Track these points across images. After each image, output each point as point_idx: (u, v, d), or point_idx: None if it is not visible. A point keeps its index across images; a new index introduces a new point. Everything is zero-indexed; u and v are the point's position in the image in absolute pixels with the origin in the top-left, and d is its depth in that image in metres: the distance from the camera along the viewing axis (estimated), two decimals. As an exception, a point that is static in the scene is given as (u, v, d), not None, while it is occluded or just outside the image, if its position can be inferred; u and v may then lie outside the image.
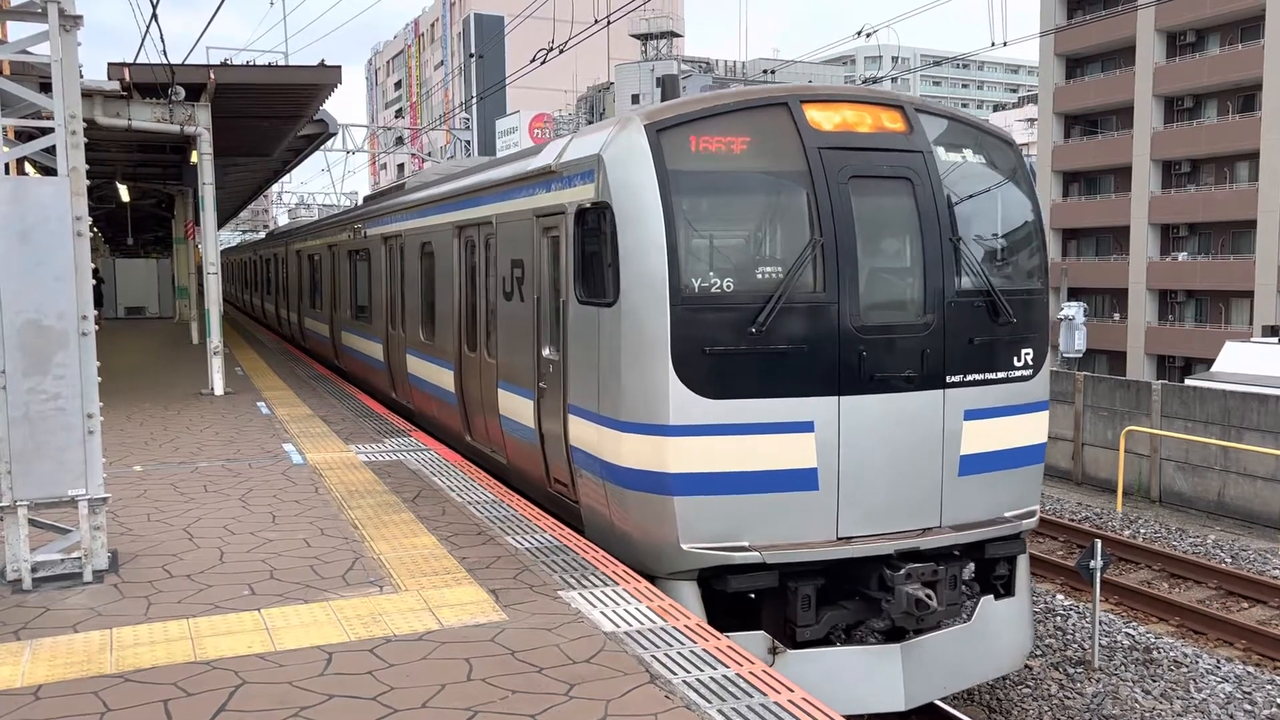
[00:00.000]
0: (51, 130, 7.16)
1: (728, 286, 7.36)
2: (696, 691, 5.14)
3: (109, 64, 16.02)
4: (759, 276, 7.45)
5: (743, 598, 7.61)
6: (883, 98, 8.22)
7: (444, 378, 12.25)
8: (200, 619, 6.28)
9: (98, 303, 7.36)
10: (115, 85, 15.90)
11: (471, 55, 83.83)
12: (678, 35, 72.23)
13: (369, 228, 16.84)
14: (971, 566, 8.21)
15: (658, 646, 5.75)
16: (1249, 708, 9.99)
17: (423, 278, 13.34)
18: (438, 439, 12.62)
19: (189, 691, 5.21)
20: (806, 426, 7.40)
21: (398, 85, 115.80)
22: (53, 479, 6.94)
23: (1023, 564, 8.59)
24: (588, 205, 7.93)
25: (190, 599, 6.67)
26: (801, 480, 7.44)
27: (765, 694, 5.11)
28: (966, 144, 8.29)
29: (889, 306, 7.83)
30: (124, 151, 23.66)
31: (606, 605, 6.45)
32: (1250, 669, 10.89)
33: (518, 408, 9.63)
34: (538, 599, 6.60)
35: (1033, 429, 8.38)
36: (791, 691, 5.16)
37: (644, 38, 70.85)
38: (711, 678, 5.31)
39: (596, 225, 7.84)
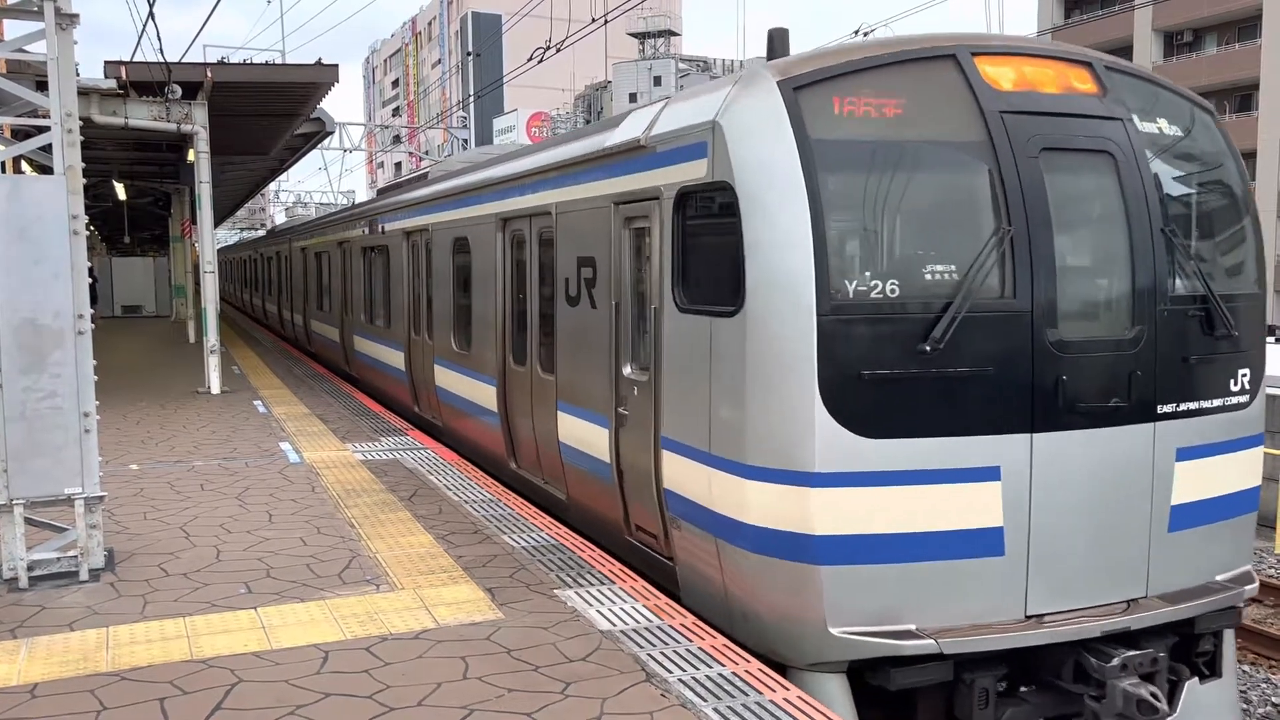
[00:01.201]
0: (48, 128, 7.16)
1: (891, 291, 5.75)
2: (692, 690, 5.15)
3: (105, 62, 16.02)
4: (928, 278, 5.85)
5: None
6: (1068, 52, 6.57)
7: (482, 394, 10.74)
8: (196, 617, 6.28)
9: (91, 301, 7.35)
10: (112, 83, 15.88)
11: (469, 54, 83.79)
12: (675, 34, 72.26)
13: (387, 222, 15.36)
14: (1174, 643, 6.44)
15: (654, 645, 5.76)
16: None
17: (455, 278, 11.81)
18: (475, 463, 11.19)
19: (185, 690, 5.21)
20: (990, 473, 5.78)
21: (395, 84, 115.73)
22: (49, 477, 6.94)
23: (1229, 638, 6.79)
24: (695, 187, 6.41)
25: (187, 597, 6.67)
26: (983, 543, 5.81)
27: (761, 692, 5.12)
28: (1164, 112, 6.64)
29: (1090, 316, 6.18)
30: (121, 150, 23.63)
31: (603, 603, 6.46)
32: None
33: (585, 436, 8.10)
34: (534, 597, 6.60)
35: (1248, 469, 6.73)
36: (788, 690, 5.17)
37: (641, 36, 70.87)
38: (708, 676, 5.32)
39: (709, 213, 6.39)
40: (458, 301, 11.78)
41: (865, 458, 5.68)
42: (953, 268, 5.85)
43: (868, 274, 5.79)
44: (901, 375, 5.71)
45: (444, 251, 12.19)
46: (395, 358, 14.81)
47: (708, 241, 6.45)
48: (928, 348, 5.66)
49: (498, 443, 10.44)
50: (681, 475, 6.61)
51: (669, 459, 6.74)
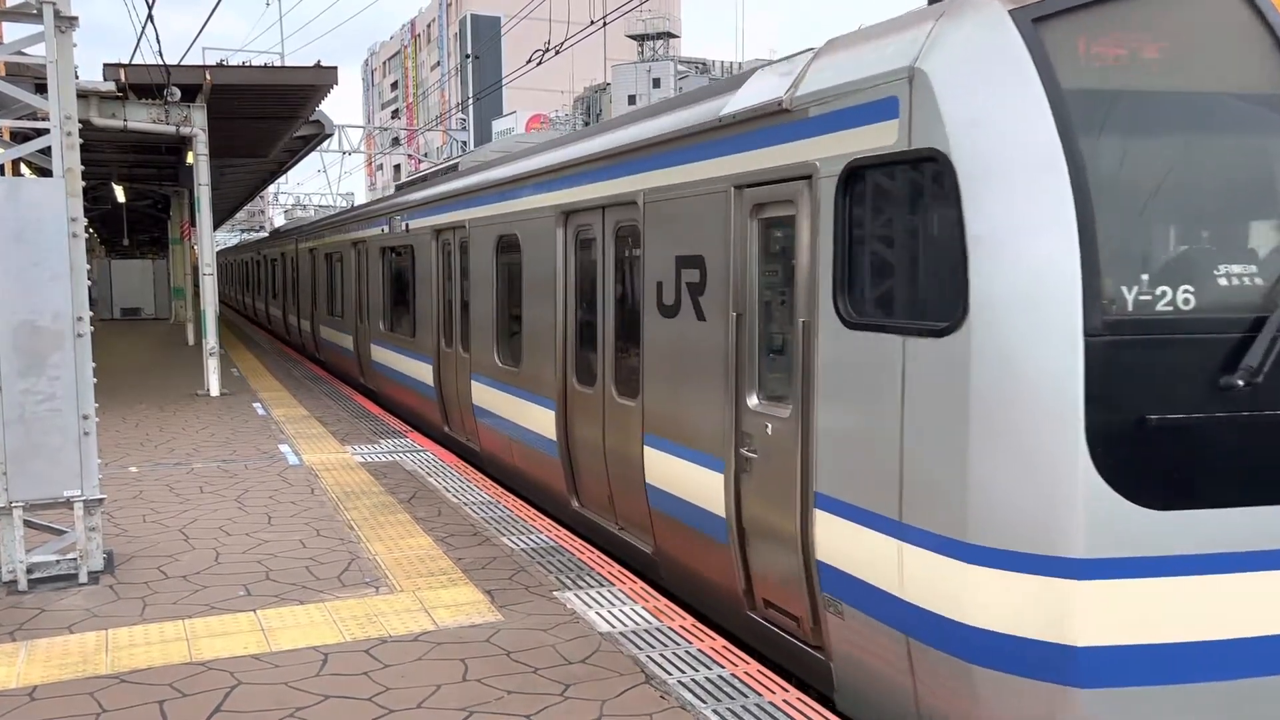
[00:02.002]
0: (47, 131, 7.16)
1: (1184, 302, 4.29)
2: (692, 691, 5.14)
3: (105, 65, 16.03)
4: (1224, 282, 4.36)
5: None
6: None
7: (534, 417, 9.28)
8: (196, 620, 6.28)
9: (89, 303, 7.36)
10: (111, 86, 15.90)
11: (468, 56, 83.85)
12: (674, 36, 72.32)
13: (412, 219, 13.94)
14: None
15: (653, 647, 5.75)
16: None
17: (498, 281, 10.41)
18: (524, 496, 9.95)
19: (184, 692, 5.21)
20: None
21: (394, 86, 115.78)
22: (48, 480, 6.94)
23: None
24: (878, 160, 4.79)
25: (186, 600, 6.67)
26: None
27: (760, 694, 5.12)
28: None
29: None
30: (120, 152, 23.63)
31: (602, 605, 6.46)
32: None
33: (686, 479, 6.65)
34: (533, 599, 6.60)
35: None
36: (786, 691, 5.16)
37: (640, 38, 70.94)
38: (707, 678, 5.32)
39: (903, 194, 4.82)
40: (501, 309, 10.40)
41: (1152, 537, 4.17)
42: (1252, 269, 4.38)
43: (1149, 277, 4.28)
44: (1202, 420, 4.20)
45: (484, 251, 10.78)
46: (421, 371, 13.40)
47: (898, 233, 4.89)
48: (1239, 381, 4.15)
49: (554, 476, 8.94)
50: (847, 546, 5.03)
51: (826, 522, 5.18)
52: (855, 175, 5.00)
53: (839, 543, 5.10)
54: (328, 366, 21.58)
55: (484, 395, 10.83)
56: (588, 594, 6.69)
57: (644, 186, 7.17)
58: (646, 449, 7.18)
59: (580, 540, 8.00)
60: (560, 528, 8.37)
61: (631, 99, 63.87)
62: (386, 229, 15.36)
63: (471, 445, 11.61)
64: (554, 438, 8.82)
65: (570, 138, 9.46)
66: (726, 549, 6.23)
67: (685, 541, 6.82)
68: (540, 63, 18.60)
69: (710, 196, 6.31)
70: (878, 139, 4.81)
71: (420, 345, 13.39)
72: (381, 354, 15.84)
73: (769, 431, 5.74)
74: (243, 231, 79.65)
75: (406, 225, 14.15)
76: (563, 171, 8.72)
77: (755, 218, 5.94)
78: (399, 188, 18.37)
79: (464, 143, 41.91)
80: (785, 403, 5.64)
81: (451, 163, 16.14)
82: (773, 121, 5.64)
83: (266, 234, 45.22)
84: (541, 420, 9.11)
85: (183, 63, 15.90)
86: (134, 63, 15.90)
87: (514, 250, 9.90)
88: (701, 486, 6.45)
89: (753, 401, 5.93)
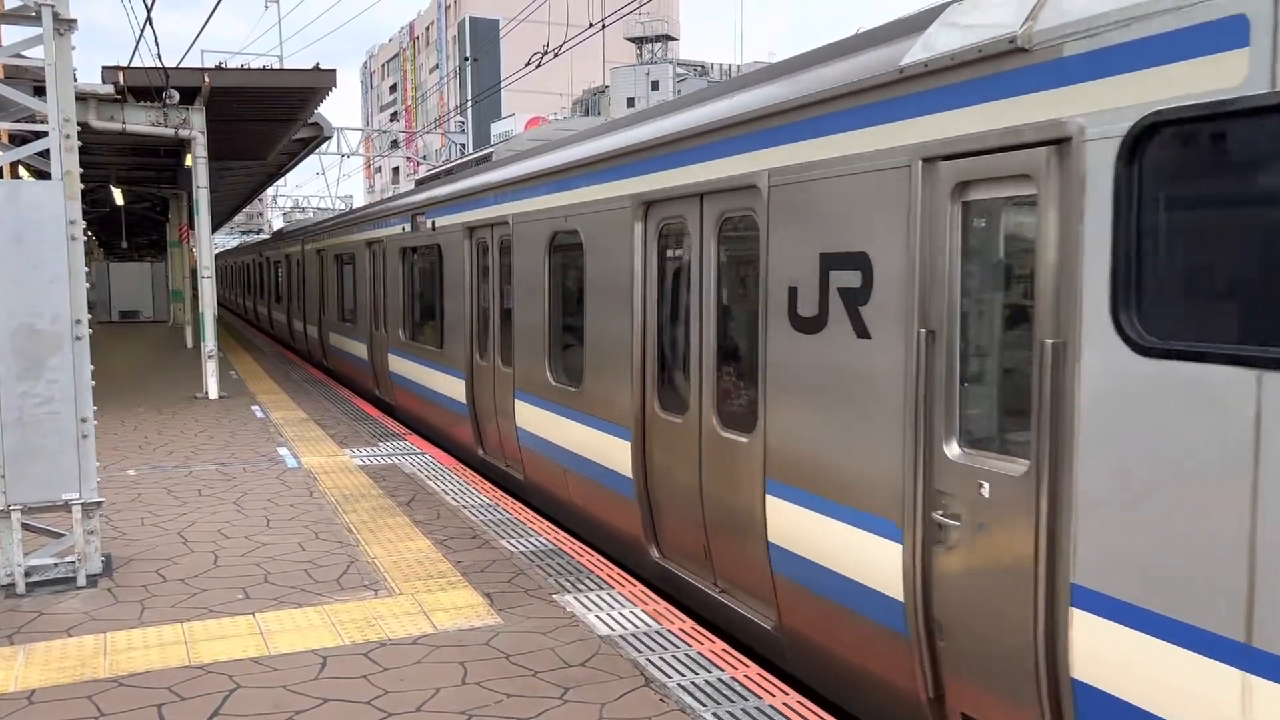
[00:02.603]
0: (46, 134, 7.16)
1: None
2: (691, 695, 5.14)
3: (103, 67, 16.04)
4: None
5: None
6: None
7: (603, 448, 7.88)
8: (194, 623, 6.27)
9: (88, 306, 7.36)
10: (110, 89, 15.92)
11: (467, 58, 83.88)
12: (673, 39, 72.40)
13: (439, 216, 12.48)
14: None
15: (653, 650, 5.75)
16: None
17: (551, 285, 9.06)
18: (583, 539, 8.66)
19: (183, 696, 5.20)
20: None
21: (393, 88, 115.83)
22: (46, 483, 6.93)
23: None
24: (1210, 110, 3.38)
25: (184, 603, 6.65)
26: None
27: (760, 697, 5.11)
28: None
29: None
30: (118, 155, 23.64)
31: (602, 608, 6.45)
32: None
33: (838, 546, 5.21)
34: (533, 602, 6.59)
35: None
36: (787, 695, 5.16)
37: (639, 41, 70.99)
38: (706, 681, 5.31)
39: (1252, 155, 3.36)
40: (555, 318, 9.04)
41: None
42: None
43: None
44: None
45: (532, 250, 9.38)
46: (450, 386, 11.96)
47: (1244, 218, 3.39)
48: None
49: (627, 518, 7.65)
50: (1136, 667, 3.68)
51: (1092, 629, 3.84)
52: (1155, 135, 3.59)
53: (1117, 660, 3.74)
54: (338, 376, 20.10)
55: (532, 417, 9.37)
56: (587, 597, 6.68)
57: (768, 166, 5.68)
58: (770, 499, 5.75)
59: (580, 543, 7.99)
60: (559, 530, 8.36)
61: (630, 101, 63.93)
62: (408, 227, 13.92)
63: (512, 473, 10.14)
64: (628, 473, 7.44)
65: (651, 112, 7.82)
66: (902, 641, 4.78)
67: (831, 622, 5.36)
68: (539, 65, 18.61)
69: (880, 174, 4.83)
70: (1204, 79, 3.40)
71: (449, 357, 11.95)
72: (401, 365, 14.46)
73: (984, 493, 4.30)
74: (243, 233, 79.66)
75: (432, 223, 12.72)
76: (643, 154, 7.22)
77: (958, 200, 4.48)
78: (419, 184, 16.70)
79: (462, 145, 41.92)
80: (1015, 454, 4.24)
81: (483, 152, 14.80)
82: (994, 68, 4.25)
83: (269, 235, 44.79)
84: (611, 451, 7.74)
85: (181, 65, 15.91)
86: (133, 65, 15.92)
87: (573, 249, 8.50)
88: (861, 556, 5.02)
89: (953, 450, 4.50)
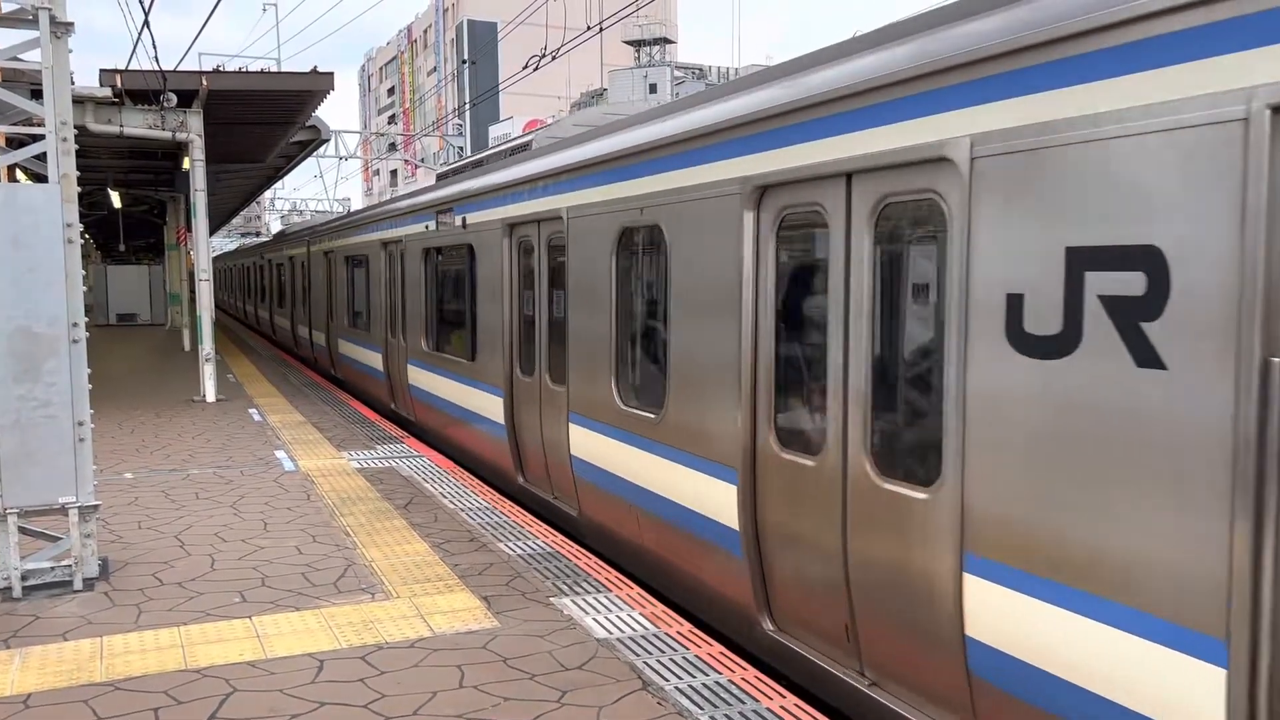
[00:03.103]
0: (42, 137, 7.16)
1: None
2: (689, 698, 5.13)
3: (101, 70, 16.03)
4: None
5: None
6: None
7: (697, 489, 6.55)
8: (191, 627, 6.26)
9: (85, 309, 7.36)
10: (107, 92, 15.91)
11: (465, 61, 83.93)
12: (671, 41, 72.45)
13: (469, 211, 11.16)
14: None
15: (650, 653, 5.74)
16: None
17: (619, 290, 7.68)
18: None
19: (179, 700, 5.19)
20: None
21: (391, 91, 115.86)
22: (43, 486, 6.92)
23: None
24: None
25: (181, 607, 6.64)
26: None
27: (758, 700, 5.10)
28: None
29: None
30: (116, 158, 23.64)
31: (599, 611, 6.45)
32: None
33: (1114, 665, 3.75)
34: (530, 606, 6.59)
35: None
36: (784, 698, 5.15)
37: (637, 44, 71.04)
38: (704, 684, 5.30)
39: None
40: (623, 329, 7.69)
41: None
42: None
43: None
44: None
45: (592, 248, 8.02)
46: (484, 404, 10.59)
47: None
48: None
49: (729, 576, 6.28)
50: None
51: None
52: None
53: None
54: (347, 387, 18.76)
55: (592, 446, 8.01)
56: (584, 600, 6.68)
57: (971, 130, 4.31)
58: (968, 580, 4.36)
59: (578, 546, 7.99)
60: (557, 533, 8.34)
61: (628, 104, 63.93)
62: (432, 225, 12.61)
63: (564, 507, 8.83)
64: (732, 523, 6.12)
65: (761, 77, 6.24)
66: None
67: None
68: (537, 68, 18.62)
69: (1178, 135, 3.45)
70: None
71: (483, 371, 10.61)
72: (423, 378, 13.11)
73: None
74: (242, 235, 79.64)
75: (462, 220, 11.38)
76: (756, 126, 5.85)
77: None
78: (442, 177, 15.11)
79: (460, 148, 41.93)
80: None
81: (520, 140, 13.19)
82: None
83: (271, 236, 44.43)
84: (709, 494, 6.39)
85: (179, 69, 15.91)
86: (130, 68, 15.91)
87: (651, 246, 7.29)
88: (1147, 679, 3.59)
89: None
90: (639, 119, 7.69)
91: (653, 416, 7.10)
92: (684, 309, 6.66)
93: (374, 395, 16.45)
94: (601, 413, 7.88)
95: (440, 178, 15.07)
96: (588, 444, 8.13)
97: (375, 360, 15.84)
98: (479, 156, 15.12)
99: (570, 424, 8.38)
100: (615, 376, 7.75)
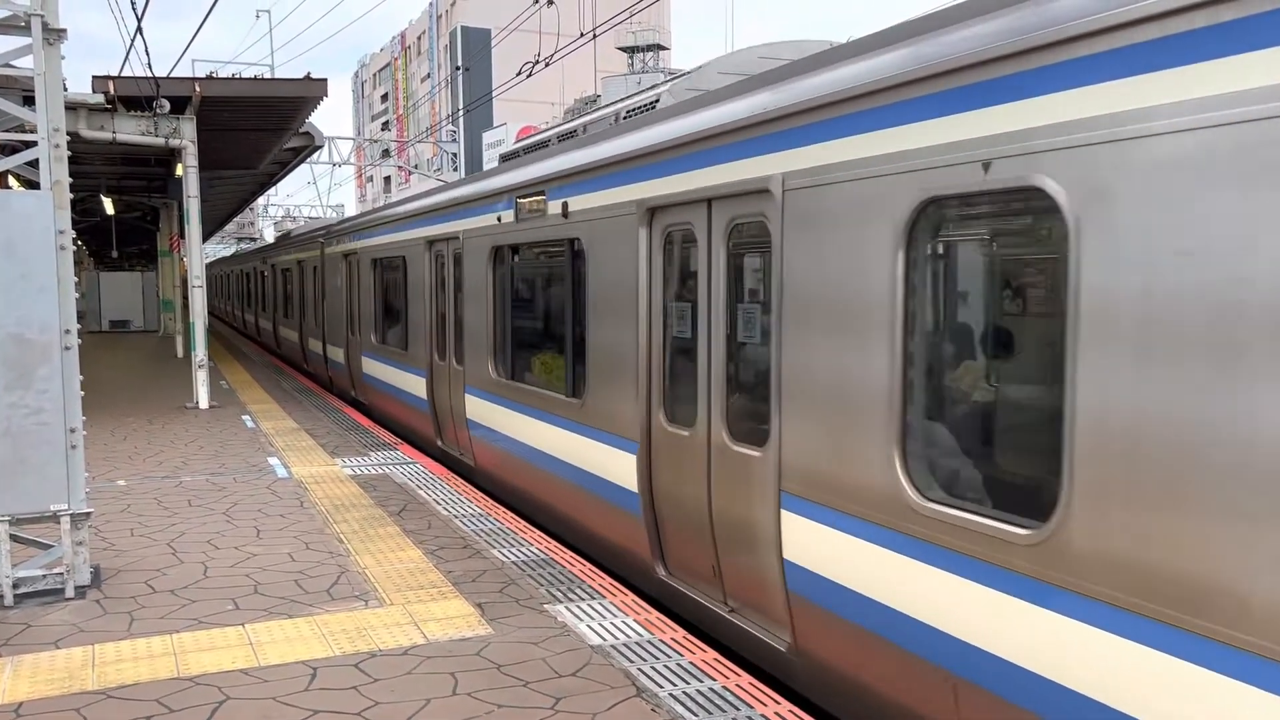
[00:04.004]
0: (35, 144, 7.15)
1: None
2: (683, 705, 5.12)
3: (93, 77, 16.02)
4: None
5: None
6: None
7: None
8: (184, 634, 6.24)
9: (78, 316, 7.34)
10: (100, 98, 15.89)
11: (458, 68, 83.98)
12: (664, 48, 72.54)
13: (574, 194, 8.26)
14: None
15: (645, 659, 5.74)
16: None
17: (911, 304, 4.75)
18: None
19: (172, 708, 5.17)
20: None
21: (384, 98, 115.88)
22: (35, 494, 6.90)
23: None
24: None
25: (174, 614, 6.62)
26: None
27: (753, 707, 5.10)
28: None
29: None
30: (108, 164, 23.60)
31: (593, 618, 6.44)
32: None
33: None
34: (524, 612, 6.58)
35: None
36: (779, 704, 5.15)
37: (631, 50, 71.15)
38: (699, 690, 5.30)
39: None
40: (895, 363, 4.83)
41: None
42: None
43: None
44: None
45: (864, 239, 5.06)
46: (612, 465, 7.57)
47: None
48: None
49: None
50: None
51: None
52: None
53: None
54: (373, 414, 16.12)
55: (820, 547, 5.34)
56: (579, 606, 6.67)
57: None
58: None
59: (571, 553, 7.97)
60: (551, 540, 8.33)
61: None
62: (506, 216, 9.74)
63: (772, 636, 5.92)
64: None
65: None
66: None
67: None
68: (530, 75, 18.64)
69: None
70: None
71: (601, 416, 7.74)
72: (494, 416, 10.04)
73: None
74: (238, 240, 79.54)
75: (563, 206, 8.39)
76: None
77: None
78: (506, 158, 12.10)
79: (454, 154, 41.94)
80: None
81: (641, 97, 9.84)
82: None
83: (265, 241, 44.03)
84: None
85: (172, 75, 15.91)
86: (123, 75, 15.91)
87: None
88: None
89: None
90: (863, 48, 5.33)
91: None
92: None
93: (412, 427, 13.71)
94: (832, 493, 5.33)
95: (506, 158, 12.05)
96: (812, 543, 5.52)
97: (415, 386, 13.04)
98: (560, 127, 11.52)
99: (784, 505, 5.64)
100: (901, 447, 4.97)
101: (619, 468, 7.47)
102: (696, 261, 6.58)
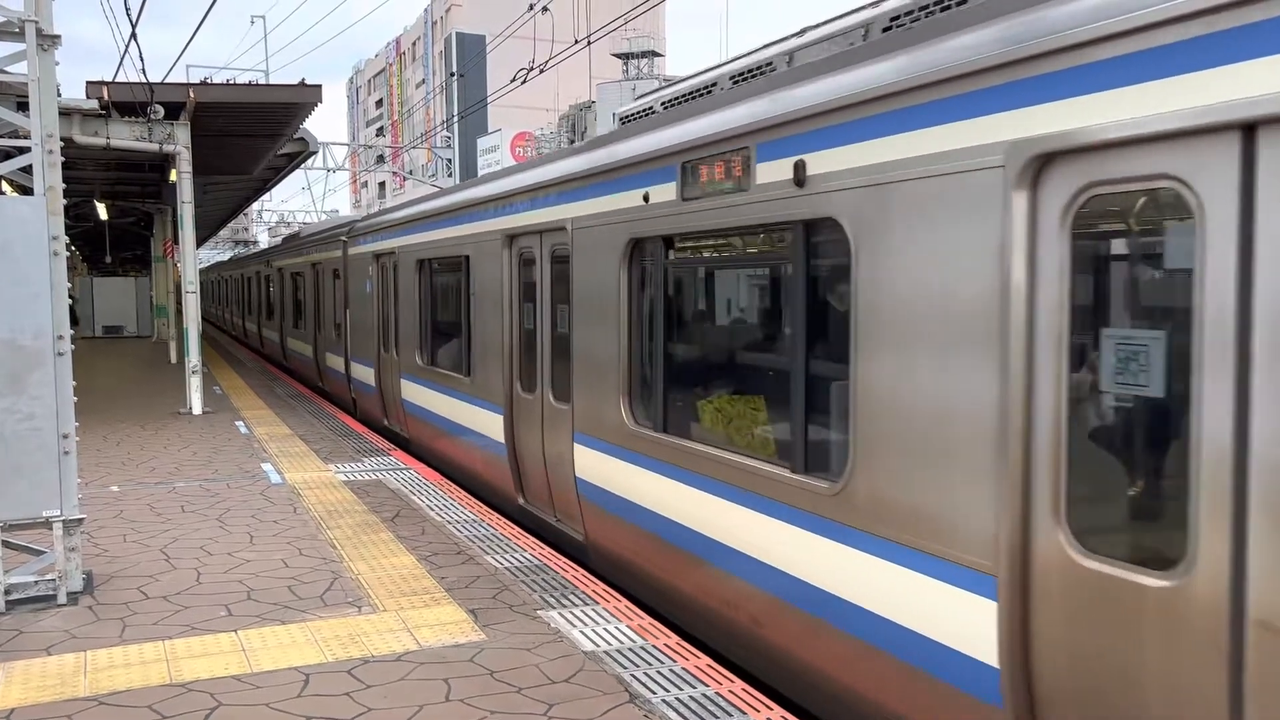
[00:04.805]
0: (28, 149, 7.14)
1: None
2: (676, 710, 5.13)
3: (87, 82, 16.01)
4: None
5: None
6: None
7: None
8: (176, 641, 6.23)
9: (71, 321, 7.33)
10: (94, 104, 15.88)
11: (453, 74, 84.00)
12: (659, 55, 72.66)
13: (812, 150, 5.21)
14: None
15: (637, 665, 5.74)
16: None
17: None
18: None
19: (164, 714, 5.16)
20: None
21: (379, 104, 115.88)
22: (27, 500, 6.88)
23: None
24: None
25: (166, 620, 6.61)
26: None
27: (746, 713, 5.10)
28: None
29: None
30: (102, 170, 23.58)
31: (586, 624, 6.44)
32: None
33: None
34: (517, 618, 6.58)
35: None
36: (770, 710, 5.15)
37: (625, 57, 71.22)
38: (691, 696, 5.30)
39: None
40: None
41: None
42: None
43: None
44: None
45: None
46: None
47: None
48: None
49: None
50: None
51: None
52: None
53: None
54: (417, 452, 13.28)
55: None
56: (572, 613, 6.67)
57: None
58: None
59: (564, 559, 7.98)
60: (544, 545, 8.33)
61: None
62: (661, 192, 6.68)
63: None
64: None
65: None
66: None
67: None
68: (525, 81, 18.67)
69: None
70: None
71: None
72: (640, 482, 7.09)
73: None
74: (234, 244, 79.42)
75: (799, 168, 5.32)
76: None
77: None
78: (626, 119, 9.08)
79: (449, 160, 41.95)
80: None
81: (791, 44, 6.67)
82: None
83: (260, 245, 43.58)
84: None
85: (166, 80, 15.91)
86: (117, 80, 15.90)
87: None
88: None
89: None
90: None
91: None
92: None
93: (475, 475, 10.89)
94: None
95: (624, 121, 9.08)
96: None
97: (489, 426, 10.16)
98: (664, 91, 8.49)
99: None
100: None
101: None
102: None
